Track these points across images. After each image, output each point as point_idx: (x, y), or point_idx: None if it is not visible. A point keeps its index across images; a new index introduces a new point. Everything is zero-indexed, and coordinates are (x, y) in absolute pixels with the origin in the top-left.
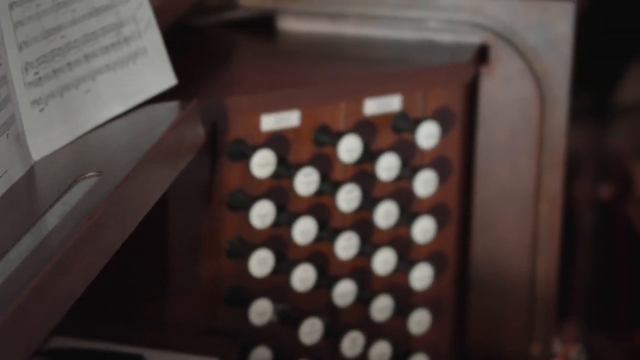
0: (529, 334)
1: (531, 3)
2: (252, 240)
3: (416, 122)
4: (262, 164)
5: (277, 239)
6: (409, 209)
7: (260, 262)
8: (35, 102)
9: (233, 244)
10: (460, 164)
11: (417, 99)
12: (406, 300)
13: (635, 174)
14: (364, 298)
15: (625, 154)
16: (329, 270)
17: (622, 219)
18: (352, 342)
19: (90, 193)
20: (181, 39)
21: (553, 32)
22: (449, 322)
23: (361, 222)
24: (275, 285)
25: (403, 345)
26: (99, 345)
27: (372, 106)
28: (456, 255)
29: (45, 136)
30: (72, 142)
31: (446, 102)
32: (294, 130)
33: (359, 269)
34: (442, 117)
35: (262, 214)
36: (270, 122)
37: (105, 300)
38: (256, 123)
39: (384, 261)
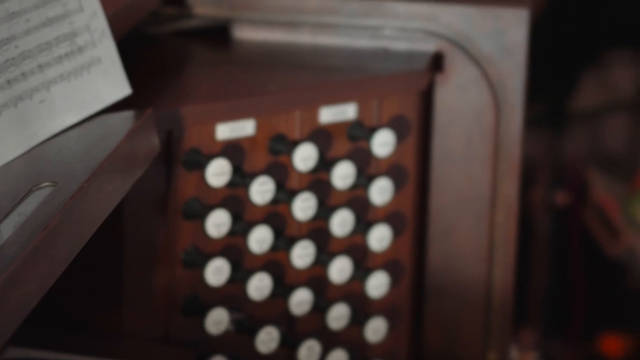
0: (486, 340)
1: (486, 11)
2: (207, 250)
3: (371, 131)
4: (218, 173)
5: (233, 248)
6: (365, 217)
7: (216, 272)
8: None
9: (189, 254)
10: (415, 171)
11: (373, 107)
12: (362, 309)
13: (591, 180)
14: (320, 307)
15: (581, 160)
16: (285, 279)
17: (578, 226)
18: (308, 350)
19: (45, 203)
20: (136, 48)
21: (508, 39)
22: (405, 330)
23: (317, 230)
24: (232, 295)
25: (360, 353)
26: (54, 355)
27: (328, 115)
28: (412, 262)
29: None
30: (26, 153)
31: (401, 110)
32: (249, 139)
33: (315, 278)
34: (398, 125)
35: (217, 223)
36: (225, 131)
37: (61, 310)
38: (211, 132)
39: (340, 269)
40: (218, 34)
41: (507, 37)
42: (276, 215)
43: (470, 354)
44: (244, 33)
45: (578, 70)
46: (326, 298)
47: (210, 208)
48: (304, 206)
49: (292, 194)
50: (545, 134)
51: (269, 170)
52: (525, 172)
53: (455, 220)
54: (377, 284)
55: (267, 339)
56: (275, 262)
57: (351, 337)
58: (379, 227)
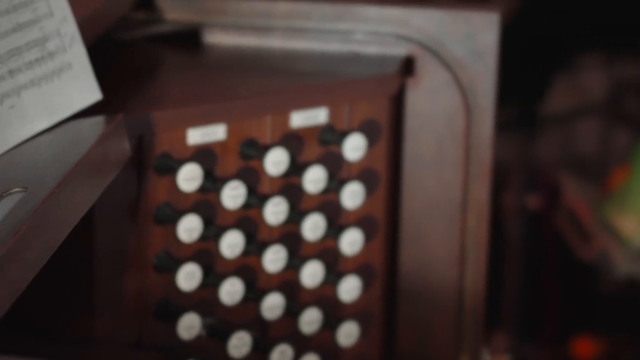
0: (458, 344)
1: (456, 15)
2: (179, 255)
3: (342, 135)
4: (189, 178)
5: (205, 253)
6: (337, 222)
7: (188, 276)
8: None
9: (160, 259)
10: (387, 175)
11: (344, 112)
12: (334, 313)
13: (563, 184)
14: (292, 311)
15: (553, 164)
16: (257, 284)
17: (550, 229)
18: (281, 355)
19: (16, 209)
20: (107, 54)
21: (478, 43)
22: (377, 334)
23: (289, 235)
24: (204, 299)
25: (332, 357)
26: None
27: (299, 119)
28: (384, 266)
29: None
30: None
31: (372, 114)
32: (221, 144)
33: (287, 282)
34: (369, 129)
35: (189, 228)
36: (196, 135)
37: (32, 316)
38: (182, 137)
39: (312, 274)
40: (189, 39)
41: (478, 40)
42: (248, 220)
43: (442, 357)
44: (215, 38)
45: (549, 73)
46: (298, 302)
47: (181, 213)
48: (275, 211)
49: (263, 198)
50: (517, 137)
51: (241, 175)
52: (497, 175)
53: (426, 224)
54: (349, 288)
55: (239, 343)
56: (247, 267)
57: (323, 342)
58: (351, 232)
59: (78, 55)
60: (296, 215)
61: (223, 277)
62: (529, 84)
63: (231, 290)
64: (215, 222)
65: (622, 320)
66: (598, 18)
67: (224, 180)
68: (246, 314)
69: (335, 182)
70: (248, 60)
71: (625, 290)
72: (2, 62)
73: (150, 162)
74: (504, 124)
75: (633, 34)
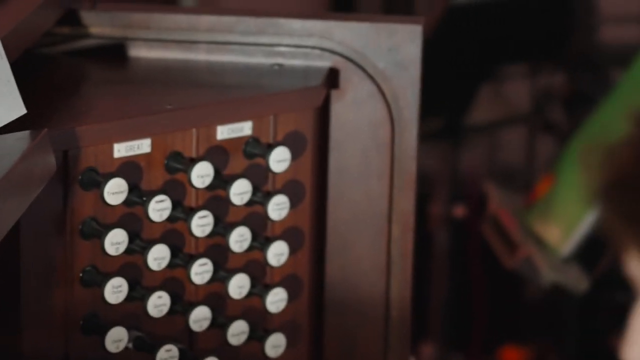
0: (385, 355)
1: (379, 27)
2: (106, 269)
3: (268, 147)
4: (115, 191)
5: (132, 266)
6: (263, 234)
7: (115, 290)
8: None
9: (87, 273)
10: (312, 187)
11: (269, 124)
12: (262, 324)
13: (488, 193)
14: (219, 323)
15: (478, 174)
16: (184, 297)
17: (476, 238)
18: None
19: None
20: (31, 69)
21: (402, 55)
22: (305, 345)
23: (215, 247)
24: (131, 313)
25: None
26: None
27: (224, 132)
28: (311, 278)
29: None
30: None
31: (297, 126)
32: (146, 158)
33: (215, 294)
34: (294, 142)
35: (115, 241)
36: (122, 149)
37: None
38: (108, 151)
39: (239, 286)
40: (114, 53)
41: (401, 52)
42: (174, 233)
43: None
44: (140, 52)
45: (474, 84)
46: (225, 314)
47: (107, 227)
48: (201, 223)
49: (189, 211)
50: (443, 148)
51: (166, 188)
52: (424, 186)
53: (352, 235)
54: (276, 300)
55: (167, 356)
56: (173, 280)
57: (251, 353)
58: (277, 243)
59: (2, 71)
60: (222, 227)
61: (150, 290)
62: (454, 95)
63: (158, 303)
64: (142, 236)
65: (546, 328)
66: (521, 29)
67: (150, 194)
68: (174, 326)
69: (261, 195)
70: (173, 74)
71: (549, 298)
72: None
73: (75, 176)
74: (429, 135)
75: (556, 44)
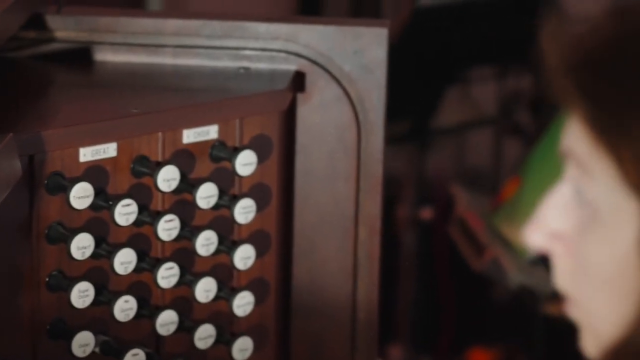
0: (352, 357)
1: (345, 30)
2: (72, 273)
3: (234, 150)
4: (81, 196)
5: (98, 270)
6: (229, 237)
7: (81, 295)
8: None
9: (53, 277)
10: (279, 190)
11: (235, 127)
12: (229, 328)
13: (456, 196)
14: (186, 327)
15: (446, 176)
16: (150, 300)
17: (444, 241)
18: None
19: None
20: None
21: (367, 58)
22: (272, 348)
23: (182, 251)
24: (98, 317)
25: None
26: None
27: (190, 136)
28: (278, 281)
29: None
30: None
31: (263, 129)
32: (112, 162)
33: (181, 298)
34: (260, 145)
35: (81, 246)
36: (88, 154)
37: None
38: (74, 155)
39: (205, 289)
40: (80, 57)
41: (367, 55)
42: (140, 237)
43: None
44: (106, 56)
45: (441, 87)
46: (192, 318)
47: (73, 231)
48: (167, 227)
49: (155, 215)
50: (411, 151)
51: (132, 192)
52: (391, 188)
53: (319, 238)
54: (243, 303)
55: None
56: (140, 284)
57: (218, 357)
58: (244, 247)
59: None
60: (189, 231)
61: (116, 294)
62: (421, 97)
63: (125, 307)
64: (108, 240)
65: (514, 329)
66: (488, 31)
67: (116, 198)
68: (140, 330)
69: (227, 198)
70: (139, 78)
71: (517, 300)
72: None
73: (41, 181)
74: (396, 138)
75: (523, 47)
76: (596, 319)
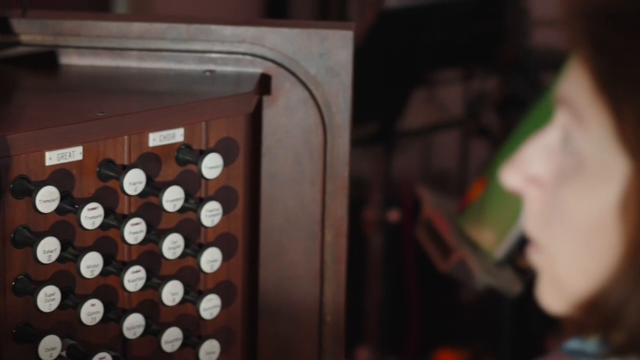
0: (319, 359)
1: (310, 33)
2: (38, 277)
3: (200, 153)
4: (46, 199)
5: (64, 274)
6: (196, 240)
7: (48, 298)
8: None
9: (19, 281)
10: (245, 193)
11: (201, 130)
12: (196, 331)
13: (422, 198)
14: (153, 330)
15: (412, 178)
16: (117, 304)
17: (411, 243)
18: None
19: None
20: None
21: (333, 61)
22: (239, 351)
23: (148, 254)
24: (64, 321)
25: None
26: None
27: (156, 139)
28: (244, 284)
29: None
30: None
31: (229, 132)
32: (78, 165)
33: (148, 302)
34: (226, 148)
35: (47, 249)
36: (53, 157)
37: None
38: (39, 159)
39: (172, 293)
40: (45, 61)
41: (333, 58)
42: (107, 241)
43: None
44: (71, 59)
45: (407, 89)
46: (159, 321)
47: (40, 235)
48: (134, 230)
49: (122, 218)
50: (377, 153)
51: (99, 196)
52: (358, 191)
53: (286, 241)
54: (210, 306)
55: None
56: (106, 287)
57: None
58: (210, 250)
59: None
60: (155, 234)
61: (83, 298)
62: (387, 100)
63: (91, 311)
64: (74, 244)
65: (480, 331)
66: (454, 33)
67: (82, 202)
68: (107, 334)
69: (194, 201)
70: (104, 82)
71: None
72: None
73: (7, 184)
74: (363, 140)
75: (488, 49)
76: (561, 267)
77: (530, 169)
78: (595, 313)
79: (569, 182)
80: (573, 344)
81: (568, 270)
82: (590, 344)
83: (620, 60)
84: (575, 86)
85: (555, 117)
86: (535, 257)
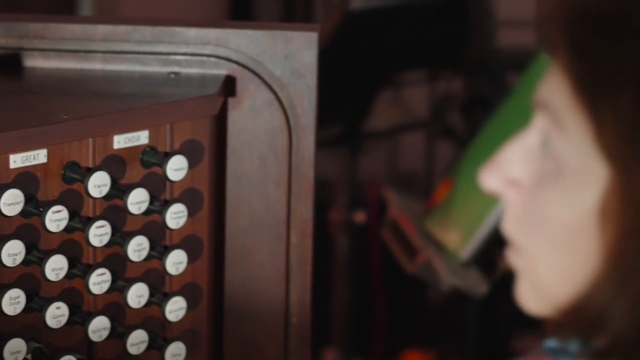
0: None
1: (275, 34)
2: (3, 280)
3: (165, 156)
4: (11, 202)
5: (29, 277)
6: (161, 242)
7: (12, 302)
8: None
9: None
10: (210, 195)
11: (165, 133)
12: (162, 333)
13: (388, 199)
14: (119, 333)
15: (378, 180)
16: (82, 307)
17: (377, 244)
18: None
19: None
20: None
21: (298, 62)
22: (204, 353)
23: (113, 257)
24: (29, 324)
25: None
26: None
27: (121, 141)
28: (210, 286)
29: None
30: None
31: (194, 134)
32: (43, 168)
33: (113, 304)
34: (191, 150)
35: (12, 253)
36: (17, 160)
37: None
38: (3, 162)
39: (137, 295)
40: (9, 63)
41: (297, 60)
42: (72, 243)
43: None
44: (35, 62)
45: (373, 90)
46: (125, 324)
47: (4, 238)
48: (99, 233)
49: (87, 221)
50: (342, 154)
51: (63, 199)
52: (323, 192)
53: (251, 243)
54: (175, 309)
55: None
56: (72, 290)
57: None
58: (176, 252)
59: None
60: (120, 237)
61: (48, 301)
62: (353, 101)
63: (57, 314)
64: (39, 246)
65: (447, 331)
66: (419, 34)
67: (47, 204)
68: (73, 337)
69: (159, 203)
70: (68, 84)
71: (450, 302)
72: None
73: None
74: (328, 141)
75: (453, 50)
76: (540, 269)
77: (510, 171)
78: (577, 317)
79: (548, 186)
80: (552, 342)
81: (548, 273)
82: (570, 343)
83: (599, 64)
84: (554, 90)
85: (534, 120)
86: (515, 259)
